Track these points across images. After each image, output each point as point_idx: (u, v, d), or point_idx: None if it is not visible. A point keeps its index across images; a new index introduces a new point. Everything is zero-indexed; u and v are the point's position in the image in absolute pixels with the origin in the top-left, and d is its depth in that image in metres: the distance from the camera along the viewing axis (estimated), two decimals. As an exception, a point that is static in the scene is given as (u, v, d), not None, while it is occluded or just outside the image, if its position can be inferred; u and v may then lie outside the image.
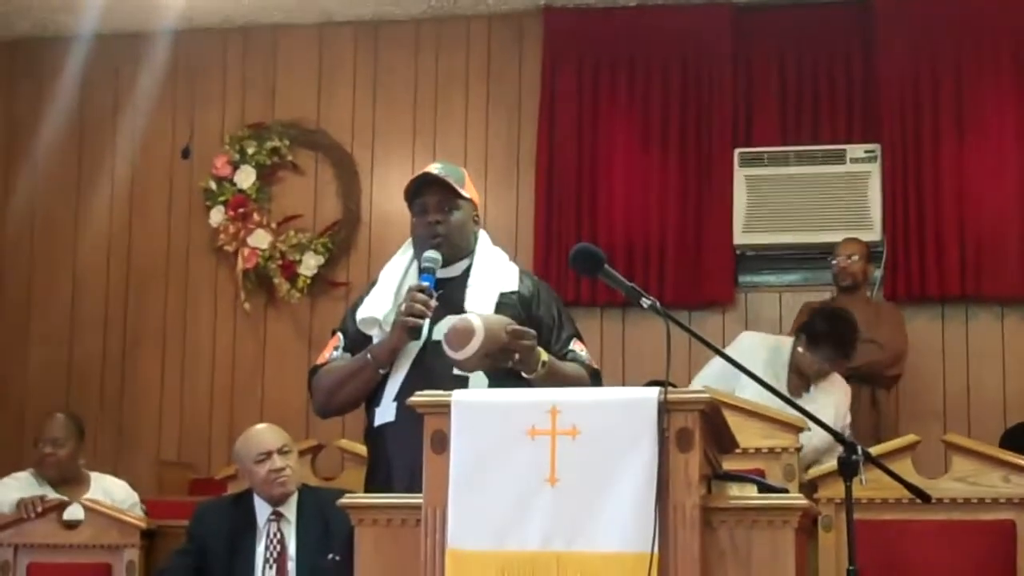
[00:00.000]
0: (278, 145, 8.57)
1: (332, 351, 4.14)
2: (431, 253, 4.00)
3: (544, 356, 3.82)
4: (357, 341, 4.08)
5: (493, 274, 4.05)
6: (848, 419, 6.30)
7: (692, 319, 7.78)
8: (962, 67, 7.80)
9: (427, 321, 3.90)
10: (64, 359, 8.69)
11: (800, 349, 6.22)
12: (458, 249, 4.06)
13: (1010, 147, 7.69)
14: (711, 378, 5.85)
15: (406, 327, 3.88)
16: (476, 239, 4.14)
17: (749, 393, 5.41)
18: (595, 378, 4.04)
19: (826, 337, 6.18)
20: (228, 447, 7.63)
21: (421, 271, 3.99)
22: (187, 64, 8.78)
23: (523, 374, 3.79)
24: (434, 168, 4.12)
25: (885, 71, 7.87)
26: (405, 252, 4.16)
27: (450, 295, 3.95)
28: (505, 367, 3.74)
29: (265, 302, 8.53)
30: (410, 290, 3.93)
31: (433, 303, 3.90)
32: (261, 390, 8.38)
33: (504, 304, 3.98)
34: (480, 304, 3.93)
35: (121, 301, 8.71)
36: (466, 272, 4.06)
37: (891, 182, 7.75)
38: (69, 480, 6.30)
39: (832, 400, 6.20)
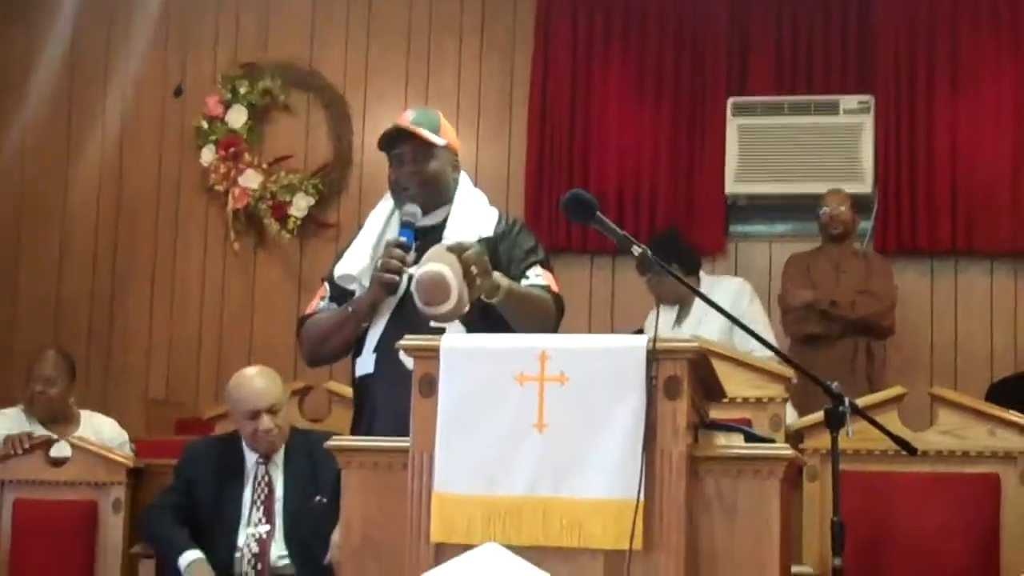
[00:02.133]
0: (270, 85, 8.54)
1: (319, 301, 4.13)
2: (409, 206, 3.97)
3: (503, 281, 3.79)
4: (342, 289, 4.08)
5: (471, 221, 4.01)
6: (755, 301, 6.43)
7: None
8: (958, 20, 7.78)
9: (405, 276, 3.88)
10: (53, 295, 8.69)
11: (651, 286, 6.49)
12: (436, 198, 4.03)
13: (1005, 101, 7.68)
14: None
15: (383, 283, 3.88)
16: (456, 185, 4.10)
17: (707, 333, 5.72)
18: (557, 301, 3.97)
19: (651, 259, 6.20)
20: (217, 387, 7.66)
21: (401, 224, 3.96)
22: (181, 3, 8.73)
23: (483, 298, 3.76)
24: (408, 117, 4.07)
25: (881, 22, 7.85)
26: (387, 202, 4.13)
27: (429, 245, 3.89)
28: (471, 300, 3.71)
29: (255, 242, 8.52)
30: (387, 246, 3.91)
31: (411, 257, 3.87)
32: (250, 330, 8.39)
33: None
34: None
35: (111, 239, 8.70)
36: (445, 221, 4.03)
37: (884, 134, 7.74)
38: (59, 418, 6.30)
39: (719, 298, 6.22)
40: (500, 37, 8.40)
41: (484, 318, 3.80)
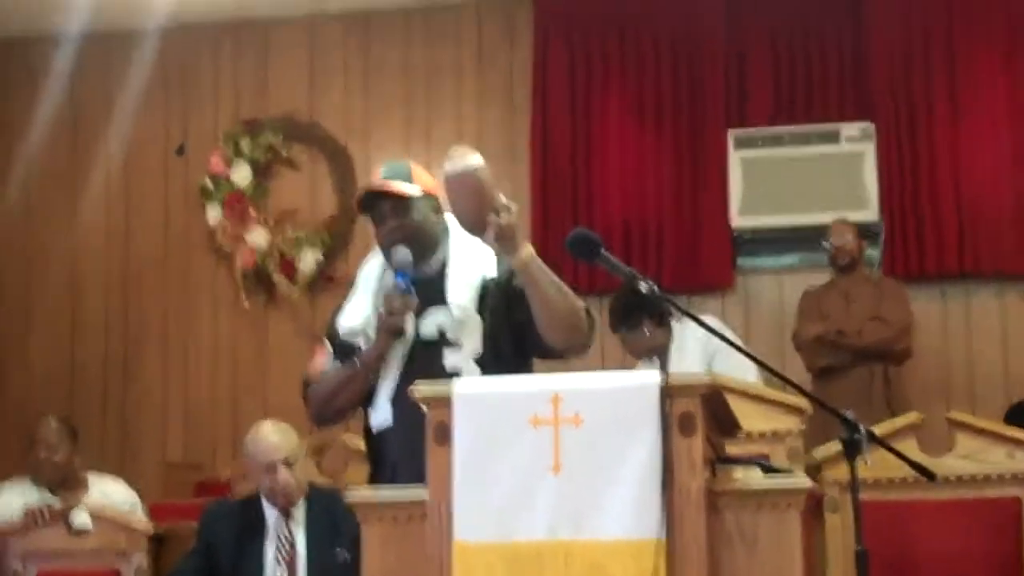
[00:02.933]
0: (272, 141, 8.56)
1: (320, 361, 4.10)
2: (398, 253, 3.91)
3: (530, 249, 3.75)
4: (345, 346, 4.02)
5: (471, 262, 3.94)
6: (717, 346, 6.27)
7: (691, 304, 7.75)
8: (954, 41, 7.80)
9: (410, 319, 3.86)
10: (66, 361, 8.68)
11: (625, 343, 6.29)
12: (426, 245, 3.96)
13: (1003, 120, 7.69)
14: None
15: (389, 331, 3.86)
16: (445, 228, 4.02)
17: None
18: (588, 313, 3.88)
19: (621, 315, 6.17)
20: (233, 447, 7.65)
21: (395, 271, 3.91)
22: (179, 62, 8.78)
23: (509, 261, 3.74)
24: (378, 175, 4.03)
25: (877, 47, 7.87)
26: (377, 256, 4.08)
27: (430, 292, 3.88)
28: (485, 240, 3.70)
29: (265, 300, 8.53)
30: (386, 293, 3.89)
31: (412, 300, 3.85)
32: (264, 388, 8.37)
33: (487, 292, 3.89)
34: (462, 295, 3.86)
35: (121, 302, 8.71)
36: (443, 267, 3.96)
37: (886, 160, 7.74)
38: (67, 483, 6.30)
39: (689, 345, 6.19)
40: (498, 79, 8.43)
41: (497, 357, 3.78)
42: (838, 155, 7.79)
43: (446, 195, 3.72)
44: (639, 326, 6.07)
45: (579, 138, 8.17)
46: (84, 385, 8.60)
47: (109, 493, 6.33)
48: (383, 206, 3.97)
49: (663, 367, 2.91)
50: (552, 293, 3.77)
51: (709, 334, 6.30)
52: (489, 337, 3.83)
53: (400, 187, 3.95)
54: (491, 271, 3.93)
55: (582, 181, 8.13)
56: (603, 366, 7.44)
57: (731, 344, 3.79)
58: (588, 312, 3.89)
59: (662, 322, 6.11)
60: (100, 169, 8.81)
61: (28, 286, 8.79)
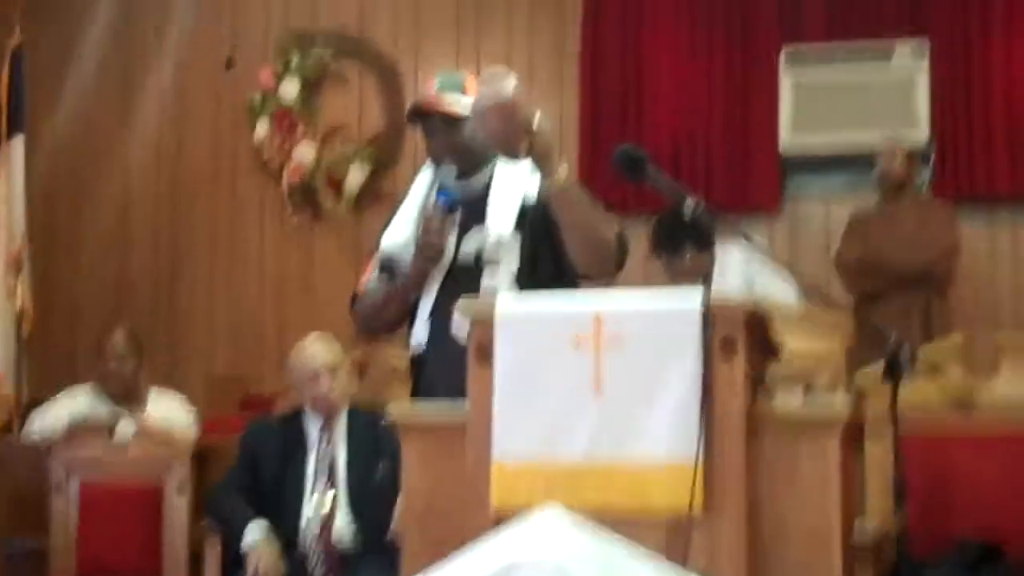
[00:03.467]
0: (322, 56, 8.54)
1: (369, 275, 4.09)
2: (445, 170, 3.93)
3: (565, 172, 3.73)
4: (390, 262, 4.03)
5: (515, 183, 3.91)
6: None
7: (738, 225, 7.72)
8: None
9: (450, 240, 3.87)
10: (114, 272, 8.75)
11: (667, 268, 6.19)
12: (474, 161, 3.94)
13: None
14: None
15: (426, 252, 3.86)
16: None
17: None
18: (620, 238, 3.86)
19: (662, 239, 6.03)
20: (279, 360, 7.65)
21: (438, 190, 3.93)
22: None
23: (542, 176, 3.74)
24: (432, 88, 4.01)
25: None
26: (428, 168, 4.08)
27: (473, 209, 3.88)
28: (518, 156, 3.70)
29: (312, 216, 8.54)
30: (425, 215, 3.89)
31: (451, 221, 3.86)
32: (311, 304, 8.40)
33: (528, 213, 3.87)
34: (503, 217, 3.86)
35: (170, 217, 8.76)
36: (488, 184, 3.95)
37: (939, 79, 7.64)
38: (130, 395, 6.39)
39: (731, 268, 6.11)
40: (550, -3, 8.36)
41: (535, 278, 3.77)
42: (890, 73, 7.69)
43: (480, 118, 3.70)
44: (680, 251, 5.96)
45: (630, 54, 8.11)
46: (132, 299, 8.66)
47: (168, 408, 6.43)
48: (434, 120, 3.98)
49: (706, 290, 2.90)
50: (581, 218, 3.77)
51: (750, 256, 6.29)
52: (528, 258, 3.83)
53: (451, 106, 3.95)
54: (535, 192, 3.90)
55: (632, 99, 8.07)
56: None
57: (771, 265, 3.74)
58: (622, 241, 3.87)
59: (704, 247, 5.99)
60: (151, 85, 8.83)
61: (80, 201, 8.84)
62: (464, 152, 3.93)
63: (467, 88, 3.98)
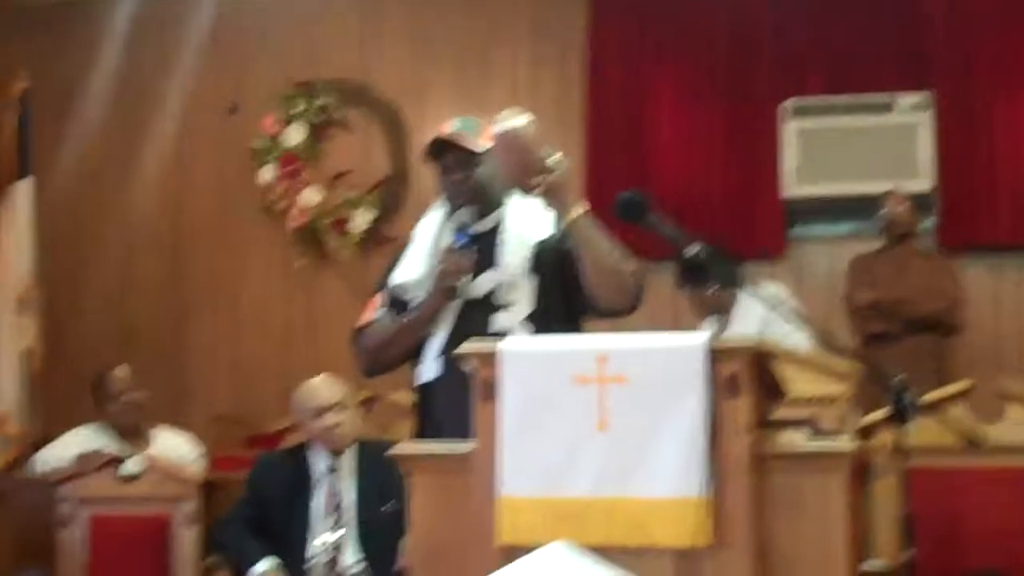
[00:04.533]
0: (326, 102, 8.58)
1: (375, 311, 4.12)
2: (463, 211, 3.98)
3: (581, 208, 3.79)
4: (399, 299, 4.06)
5: (527, 224, 3.96)
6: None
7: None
8: (1013, 12, 7.70)
9: (465, 279, 3.89)
10: (118, 318, 8.75)
11: (691, 301, 6.34)
12: (488, 202, 4.00)
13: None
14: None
15: (444, 289, 3.89)
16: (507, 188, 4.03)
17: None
18: (637, 275, 3.90)
19: (687, 273, 6.13)
20: (283, 404, 7.67)
21: (455, 230, 3.97)
22: (230, 22, 8.79)
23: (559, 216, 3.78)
24: (450, 127, 4.06)
25: (935, 16, 7.78)
26: (437, 210, 4.12)
27: (485, 251, 3.91)
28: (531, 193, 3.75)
29: (317, 259, 8.56)
30: (444, 252, 3.93)
31: (468, 261, 3.89)
32: (315, 347, 8.40)
33: (540, 254, 3.91)
34: (515, 256, 3.90)
35: (173, 262, 8.77)
36: (500, 226, 3.99)
37: (943, 130, 7.67)
38: (137, 432, 6.40)
39: (751, 313, 6.17)
40: (553, 44, 8.38)
41: (548, 318, 3.80)
42: (893, 124, 7.72)
43: (495, 151, 3.75)
44: (704, 285, 6.10)
45: (632, 104, 8.14)
46: (138, 341, 8.65)
47: (175, 445, 6.45)
48: (451, 157, 4.03)
49: (724, 328, 2.94)
50: (600, 253, 3.81)
51: (771, 315, 6.33)
52: (540, 297, 3.86)
53: (468, 142, 4.00)
54: (547, 232, 3.94)
55: (635, 147, 8.10)
56: (675, 326, 7.46)
57: (784, 314, 3.76)
58: (638, 277, 3.89)
59: (727, 284, 6.11)
60: (155, 130, 8.86)
61: (83, 246, 8.85)
62: (479, 190, 3.98)
63: (483, 133, 4.04)
